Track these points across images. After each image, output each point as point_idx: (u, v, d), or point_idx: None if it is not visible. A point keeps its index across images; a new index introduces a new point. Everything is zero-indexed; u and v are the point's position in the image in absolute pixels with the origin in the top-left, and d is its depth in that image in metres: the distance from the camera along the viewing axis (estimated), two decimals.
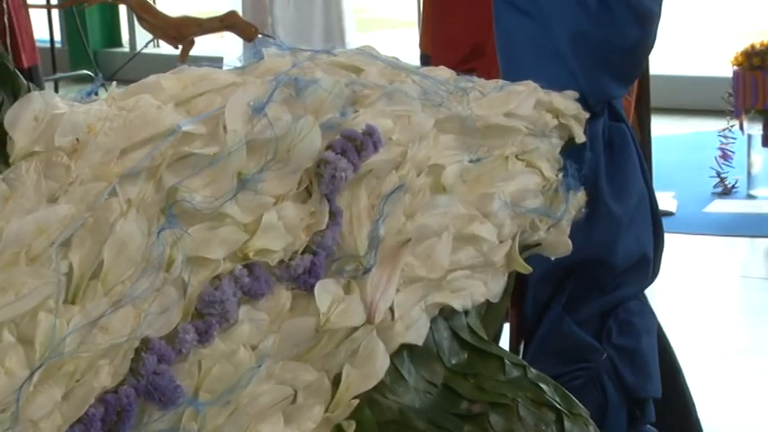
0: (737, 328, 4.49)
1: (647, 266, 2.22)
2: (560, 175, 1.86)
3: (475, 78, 1.86)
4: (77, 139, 1.47)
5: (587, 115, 1.95)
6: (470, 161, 1.73)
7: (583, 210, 1.89)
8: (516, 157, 1.79)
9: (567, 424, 1.58)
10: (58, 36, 8.10)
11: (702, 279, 4.88)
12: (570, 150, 1.90)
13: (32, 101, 1.46)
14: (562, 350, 1.66)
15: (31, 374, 1.30)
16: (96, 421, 1.32)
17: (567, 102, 1.91)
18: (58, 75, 7.48)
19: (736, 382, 3.86)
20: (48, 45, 7.48)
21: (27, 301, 1.33)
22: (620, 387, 1.94)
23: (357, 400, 1.51)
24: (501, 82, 1.87)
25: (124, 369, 1.35)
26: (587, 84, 1.95)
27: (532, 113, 1.84)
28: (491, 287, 1.71)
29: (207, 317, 1.42)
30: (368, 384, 1.51)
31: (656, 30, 2.11)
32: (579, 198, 1.89)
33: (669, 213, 5.07)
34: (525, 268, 1.76)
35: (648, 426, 2.16)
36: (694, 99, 7.15)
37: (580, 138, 1.91)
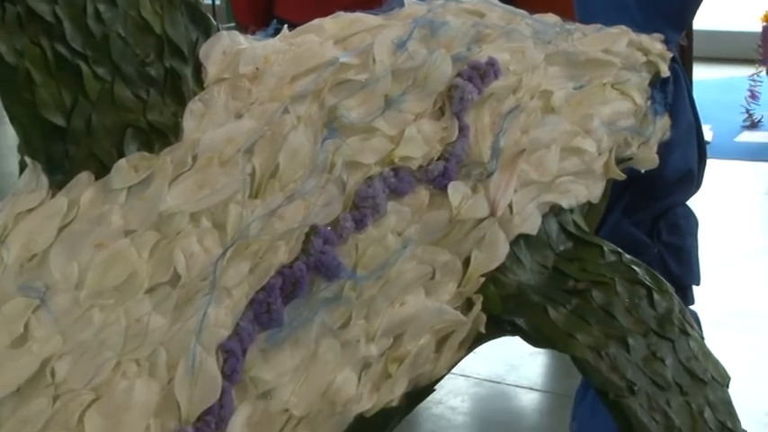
0: (761, 235, 4.98)
1: (692, 179, 2.27)
2: (648, 103, 1.85)
3: (577, 24, 1.86)
4: (257, 68, 1.49)
5: (671, 54, 1.94)
6: (574, 88, 1.73)
7: (667, 132, 1.89)
8: (612, 86, 1.79)
9: (656, 297, 1.58)
10: None
11: (732, 196, 5.25)
12: (657, 83, 1.90)
13: (221, 38, 1.49)
14: (621, 246, 1.66)
15: (224, 252, 1.32)
16: (276, 289, 1.34)
17: (654, 42, 1.91)
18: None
19: (758, 277, 4.32)
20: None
21: (220, 194, 1.36)
22: (667, 276, 1.95)
23: (483, 279, 1.52)
24: (599, 26, 1.87)
25: (297, 249, 1.37)
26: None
27: (625, 51, 1.84)
28: (592, 191, 1.71)
29: (362, 209, 1.43)
30: (492, 265, 1.52)
31: None
32: (664, 122, 1.89)
33: (706, 142, 5.31)
34: (620, 176, 1.76)
35: (690, 308, 2.18)
36: (729, 50, 7.57)
37: (665, 72, 1.91)
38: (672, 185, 2.21)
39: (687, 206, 2.31)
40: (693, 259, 2.30)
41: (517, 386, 3.71)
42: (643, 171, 1.87)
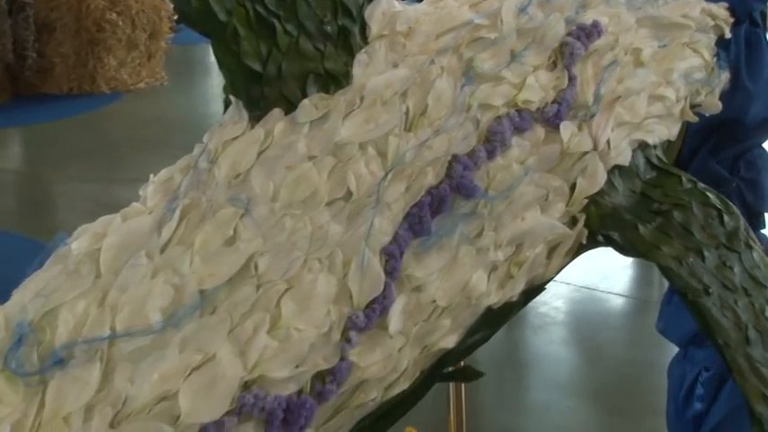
0: None
1: None
2: (715, 60, 1.83)
3: None
4: (410, 27, 1.49)
5: (732, 20, 1.91)
6: (659, 46, 1.72)
7: (727, 83, 1.87)
8: (688, 45, 1.77)
9: (725, 217, 1.58)
10: None
11: None
12: (722, 43, 1.88)
13: (381, 2, 1.49)
14: (704, 179, 1.65)
15: (386, 175, 1.34)
16: (426, 205, 1.35)
17: (720, 9, 1.88)
18: None
19: None
20: None
21: (382, 128, 1.38)
22: (743, 205, 1.93)
23: (586, 200, 1.52)
24: None
25: (442, 173, 1.38)
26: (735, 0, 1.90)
27: (699, 16, 1.81)
28: (671, 130, 1.70)
29: (492, 142, 1.43)
30: (593, 190, 1.52)
31: None
32: (725, 76, 1.86)
33: None
34: (693, 118, 1.75)
35: (761, 232, 2.17)
36: None
37: (728, 34, 1.88)
38: (751, 131, 2.19)
39: (763, 147, 2.30)
40: (766, 191, 2.28)
41: (608, 292, 3.73)
42: (707, 115, 1.85)
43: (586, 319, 3.65)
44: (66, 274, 1.22)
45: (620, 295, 3.79)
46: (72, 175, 5.65)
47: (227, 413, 1.14)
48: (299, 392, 1.20)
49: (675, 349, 2.36)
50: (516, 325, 3.46)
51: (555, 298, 3.64)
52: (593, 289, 3.77)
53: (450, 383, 2.58)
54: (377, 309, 1.27)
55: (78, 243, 1.26)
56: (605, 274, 3.85)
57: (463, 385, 2.58)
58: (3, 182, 5.72)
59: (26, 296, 1.20)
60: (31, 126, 6.83)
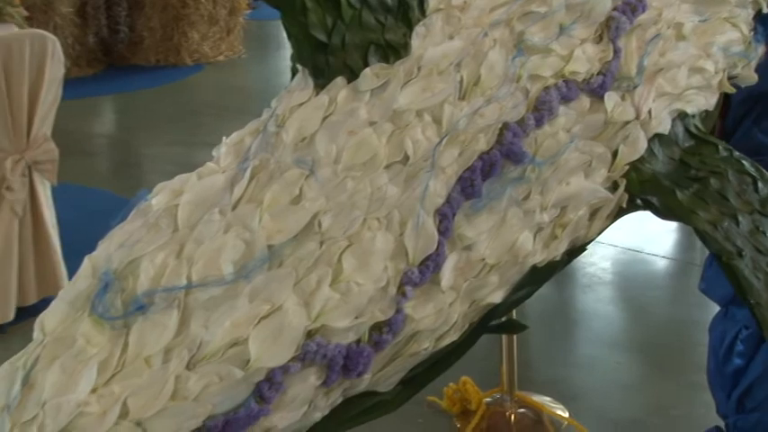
0: None
1: None
2: (752, 33, 1.78)
3: None
4: (465, 2, 1.48)
5: None
6: (699, 21, 1.68)
7: (763, 56, 1.83)
8: (727, 19, 1.73)
9: (760, 185, 1.55)
10: None
11: None
12: (759, 17, 1.83)
13: None
14: (748, 148, 1.62)
15: (441, 141, 1.33)
16: (477, 170, 1.34)
17: None
18: None
19: None
20: None
21: (438, 97, 1.37)
22: None
23: (627, 167, 1.50)
24: None
25: (493, 140, 1.37)
26: None
27: None
28: (709, 101, 1.67)
29: (540, 111, 1.41)
30: (634, 157, 1.50)
31: None
32: (762, 49, 1.81)
33: None
34: (730, 89, 1.71)
35: None
36: None
37: (765, 9, 1.83)
38: None
39: None
40: None
41: (654, 255, 3.69)
42: (743, 86, 1.80)
43: (632, 280, 3.61)
44: (147, 228, 1.24)
45: (665, 257, 3.75)
46: (158, 140, 5.73)
47: (292, 359, 1.16)
48: (358, 341, 1.22)
49: (716, 309, 2.32)
50: (566, 284, 3.44)
51: (603, 259, 3.61)
52: (639, 251, 3.73)
53: (503, 337, 2.58)
54: (430, 265, 1.28)
55: (158, 199, 1.29)
56: (651, 237, 3.80)
57: (515, 339, 2.58)
58: (97, 145, 5.83)
59: (111, 247, 1.23)
60: (123, 94, 6.93)
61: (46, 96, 3.24)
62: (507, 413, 2.67)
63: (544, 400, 2.73)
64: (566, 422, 2.64)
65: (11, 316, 3.24)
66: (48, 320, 1.18)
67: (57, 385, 1.10)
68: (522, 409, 2.69)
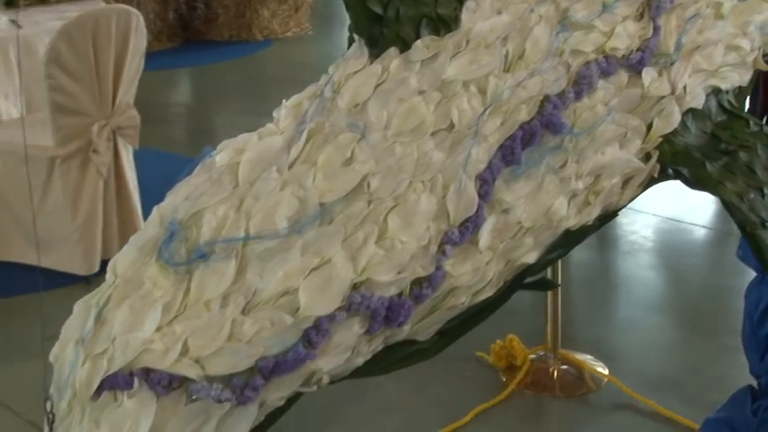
0: None
1: None
2: None
3: None
4: None
5: None
6: (738, 0, 1.65)
7: None
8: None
9: None
10: None
11: None
12: None
13: None
14: None
15: (485, 110, 1.33)
16: (518, 139, 1.34)
17: None
18: None
19: None
20: None
21: (484, 69, 1.37)
22: None
23: (660, 139, 1.49)
24: None
25: (534, 111, 1.36)
26: None
27: None
28: (743, 77, 1.64)
29: (580, 84, 1.41)
30: (668, 130, 1.49)
31: None
32: None
33: None
34: (765, 67, 1.68)
35: None
36: None
37: None
38: None
39: None
40: None
41: (693, 224, 3.65)
42: None
43: (672, 247, 3.57)
44: (211, 182, 1.27)
45: (704, 227, 3.70)
46: (230, 109, 5.80)
47: (338, 309, 1.18)
48: (400, 294, 1.24)
49: (752, 276, 2.30)
50: (608, 250, 3.41)
51: (644, 227, 3.57)
52: (680, 221, 3.69)
53: (548, 298, 2.59)
54: (470, 227, 1.29)
55: (221, 156, 1.31)
56: (691, 207, 3.75)
57: (560, 300, 2.59)
58: (175, 113, 5.91)
59: (178, 198, 1.26)
60: (198, 67, 7.00)
61: (130, 67, 3.31)
62: (550, 369, 2.68)
63: (586, 358, 2.74)
64: (606, 379, 2.64)
65: (96, 268, 3.33)
66: (119, 263, 1.21)
67: (125, 323, 1.14)
68: (565, 366, 2.69)
